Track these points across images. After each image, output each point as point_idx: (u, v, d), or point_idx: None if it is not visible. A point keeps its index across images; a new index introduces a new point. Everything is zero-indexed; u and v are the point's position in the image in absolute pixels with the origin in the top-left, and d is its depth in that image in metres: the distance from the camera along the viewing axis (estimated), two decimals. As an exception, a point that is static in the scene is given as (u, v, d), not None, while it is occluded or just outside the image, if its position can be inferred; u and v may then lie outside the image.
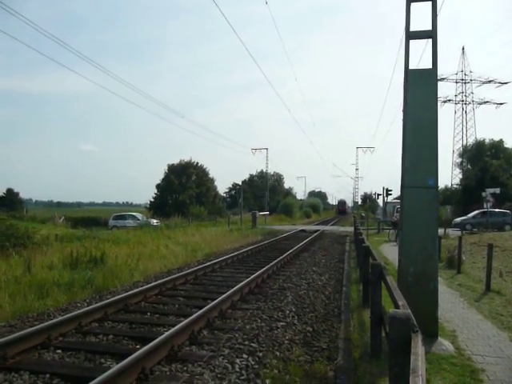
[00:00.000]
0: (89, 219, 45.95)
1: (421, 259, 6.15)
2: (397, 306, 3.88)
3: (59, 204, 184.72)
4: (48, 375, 4.44)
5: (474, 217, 30.15)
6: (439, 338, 5.88)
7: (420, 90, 6.32)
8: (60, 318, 5.91)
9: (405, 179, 6.35)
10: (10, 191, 69.94)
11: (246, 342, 5.50)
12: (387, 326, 4.02)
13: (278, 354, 5.23)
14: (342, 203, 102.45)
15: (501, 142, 55.80)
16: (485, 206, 26.92)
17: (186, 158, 64.08)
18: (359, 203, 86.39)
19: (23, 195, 78.92)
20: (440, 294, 6.44)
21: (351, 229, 28.99)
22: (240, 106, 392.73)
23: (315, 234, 24.57)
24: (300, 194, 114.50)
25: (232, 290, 7.84)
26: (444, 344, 5.72)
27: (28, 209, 48.15)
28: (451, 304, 8.21)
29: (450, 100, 57.75)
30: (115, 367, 4.15)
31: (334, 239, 23.23)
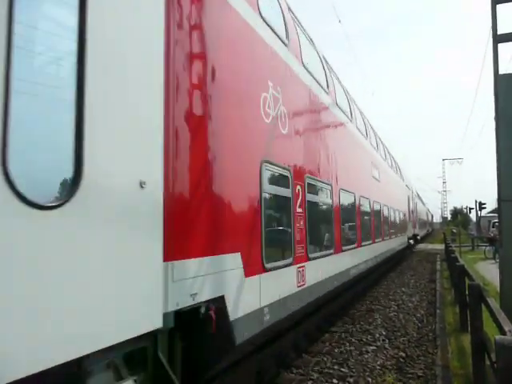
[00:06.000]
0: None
1: (526, 279, 5.59)
2: (503, 332, 3.54)
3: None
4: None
5: None
6: (555, 369, 5.24)
7: (513, 96, 5.86)
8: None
9: (502, 192, 5.86)
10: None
11: (336, 367, 5.34)
12: (492, 354, 3.70)
13: (369, 380, 5.01)
14: None
15: None
16: None
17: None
18: (449, 218, 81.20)
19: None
20: (552, 318, 5.77)
21: (441, 246, 27.30)
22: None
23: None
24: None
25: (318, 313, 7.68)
26: (561, 375, 5.08)
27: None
28: None
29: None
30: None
31: (423, 257, 22.00)
